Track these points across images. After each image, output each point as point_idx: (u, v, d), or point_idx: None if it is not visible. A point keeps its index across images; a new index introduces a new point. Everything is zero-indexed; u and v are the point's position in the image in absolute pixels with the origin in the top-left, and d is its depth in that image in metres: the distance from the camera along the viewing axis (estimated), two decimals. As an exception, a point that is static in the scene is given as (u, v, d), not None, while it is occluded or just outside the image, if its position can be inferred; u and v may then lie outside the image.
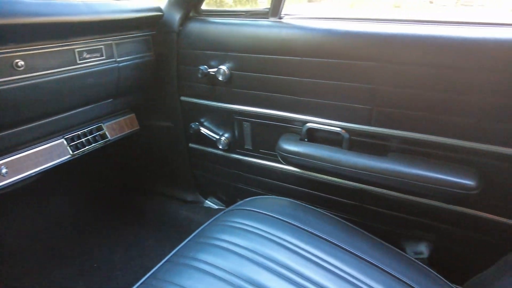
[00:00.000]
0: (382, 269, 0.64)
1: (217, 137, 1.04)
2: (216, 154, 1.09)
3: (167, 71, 1.02)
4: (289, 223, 0.71)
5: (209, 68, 0.93)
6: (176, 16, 0.95)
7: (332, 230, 0.71)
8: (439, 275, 0.66)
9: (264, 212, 0.75)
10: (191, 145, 1.14)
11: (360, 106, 0.78)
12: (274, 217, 0.73)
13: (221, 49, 0.90)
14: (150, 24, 0.97)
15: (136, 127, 1.14)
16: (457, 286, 0.65)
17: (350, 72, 0.77)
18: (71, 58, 0.79)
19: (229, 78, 0.92)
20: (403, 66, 0.71)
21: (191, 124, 1.06)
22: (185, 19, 0.96)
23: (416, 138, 0.75)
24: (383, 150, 0.79)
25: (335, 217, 0.75)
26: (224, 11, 0.94)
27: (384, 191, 0.84)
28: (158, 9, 0.97)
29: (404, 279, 0.62)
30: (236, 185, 1.11)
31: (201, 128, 1.06)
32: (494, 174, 0.71)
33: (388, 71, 0.73)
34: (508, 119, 0.66)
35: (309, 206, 0.78)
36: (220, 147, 1.04)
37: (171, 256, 0.67)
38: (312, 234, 0.69)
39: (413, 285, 0.61)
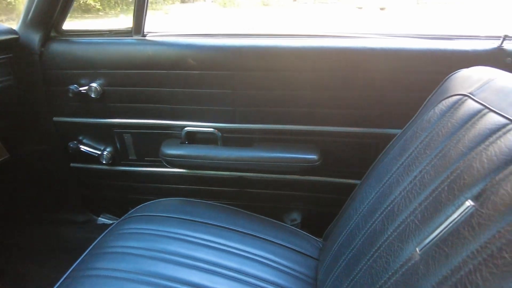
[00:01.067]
0: (261, 237, 0.80)
1: (99, 152, 1.06)
2: (101, 170, 1.11)
3: (33, 93, 0.99)
4: (179, 218, 0.81)
5: (80, 87, 0.95)
6: (35, 37, 0.94)
7: (217, 216, 0.84)
8: (309, 234, 0.85)
9: (155, 214, 0.83)
10: (73, 165, 1.13)
11: (225, 108, 0.93)
12: (165, 216, 0.82)
13: (89, 67, 0.93)
14: (4, 48, 0.93)
15: (5, 155, 1.06)
16: (320, 239, 0.85)
17: (212, 80, 0.90)
18: None
19: (102, 94, 0.95)
20: (253, 72, 0.88)
21: (70, 143, 1.05)
22: (46, 40, 0.95)
23: (272, 128, 0.93)
24: (249, 142, 0.96)
25: (221, 205, 0.88)
26: (87, 31, 0.97)
27: (257, 174, 1.01)
28: (11, 31, 0.93)
29: (280, 242, 0.79)
30: (126, 196, 1.15)
31: (81, 146, 1.06)
32: (330, 148, 0.94)
33: (242, 77, 0.88)
34: (335, 107, 0.89)
35: (197, 200, 0.89)
36: (104, 162, 1.07)
37: (70, 272, 0.69)
38: (200, 222, 0.80)
39: (286, 244, 0.78)
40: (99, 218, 1.26)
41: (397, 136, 0.64)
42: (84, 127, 1.04)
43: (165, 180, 1.08)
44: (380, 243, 0.50)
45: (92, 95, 0.94)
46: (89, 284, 0.65)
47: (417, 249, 0.43)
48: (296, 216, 1.11)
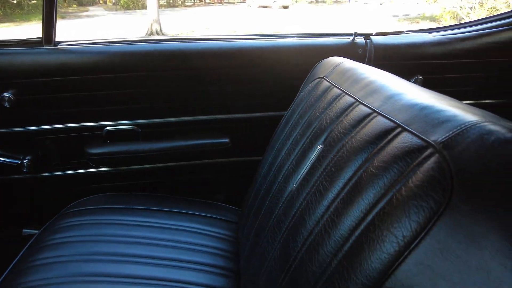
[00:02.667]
0: (187, 213, 0.93)
1: (19, 162, 1.07)
2: (23, 179, 1.11)
3: None
4: (111, 208, 0.91)
5: (-8, 97, 0.96)
6: None
7: (146, 202, 0.95)
8: (229, 205, 1.01)
9: (87, 207, 0.91)
10: None
11: (142, 105, 1.04)
12: (97, 208, 0.91)
13: (3, 77, 0.95)
14: None
15: None
16: (239, 208, 1.01)
17: (126, 82, 1.00)
18: None
19: (17, 104, 0.98)
20: (164, 72, 1.00)
21: None
22: None
23: (187, 120, 1.07)
24: (168, 134, 1.08)
25: (149, 194, 1.00)
26: (-8, 42, 0.98)
27: (179, 163, 1.14)
28: None
29: (204, 214, 0.93)
30: (53, 202, 1.17)
31: (-2, 157, 1.06)
32: (238, 132, 1.11)
33: (154, 77, 1.00)
34: (238, 98, 1.06)
35: (125, 193, 0.99)
36: (26, 170, 1.08)
37: (12, 267, 0.75)
38: (132, 209, 0.91)
39: (210, 215, 0.93)
40: (24, 230, 1.25)
41: (284, 114, 0.84)
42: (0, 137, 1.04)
43: (91, 181, 1.14)
44: (284, 197, 0.66)
45: (6, 105, 0.96)
46: (35, 272, 0.71)
47: (294, 184, 0.62)
48: (218, 194, 1.27)
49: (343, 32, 1.11)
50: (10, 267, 0.78)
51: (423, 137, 0.40)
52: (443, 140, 0.37)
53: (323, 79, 0.73)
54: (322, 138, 0.60)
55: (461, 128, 0.37)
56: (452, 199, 0.33)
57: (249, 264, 0.68)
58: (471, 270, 0.30)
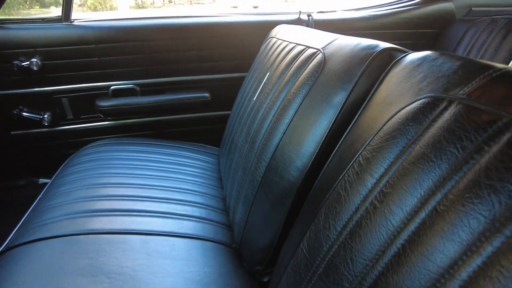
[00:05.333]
0: (178, 146, 1.25)
1: (40, 117, 1.35)
2: (42, 133, 1.39)
3: None
4: (120, 143, 1.21)
5: (22, 63, 1.24)
6: (-25, 27, 1.19)
7: (148, 141, 1.26)
8: (210, 146, 1.33)
9: (101, 148, 1.20)
10: (13, 132, 1.38)
11: (141, 68, 1.34)
12: (108, 144, 1.20)
13: (29, 47, 1.23)
14: None
15: None
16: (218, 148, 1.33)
17: (128, 49, 1.30)
18: None
19: (41, 67, 1.26)
20: (158, 42, 1.32)
21: (13, 111, 1.31)
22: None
23: (176, 80, 1.39)
24: (161, 91, 1.39)
25: (146, 139, 1.30)
26: (22, 19, 1.26)
27: (169, 117, 1.45)
28: None
29: (189, 147, 1.25)
30: (65, 153, 1.45)
31: (23, 113, 1.33)
32: (216, 89, 1.44)
33: (151, 46, 1.32)
34: (214, 60, 1.39)
35: (127, 139, 1.29)
36: (46, 124, 1.36)
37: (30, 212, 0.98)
38: (138, 143, 1.22)
39: (197, 149, 1.25)
40: (39, 180, 1.52)
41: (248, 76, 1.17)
42: (25, 97, 1.31)
43: (98, 132, 1.43)
44: (253, 130, 1.00)
45: (35, 68, 1.24)
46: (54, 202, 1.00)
47: (253, 100, 0.95)
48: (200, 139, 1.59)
49: (292, 11, 1.47)
50: (29, 210, 0.91)
51: (317, 47, 0.74)
52: (326, 45, 0.72)
53: (273, 38, 1.08)
54: (270, 68, 0.94)
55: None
56: None
57: (227, 182, 0.97)
58: None
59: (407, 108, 0.42)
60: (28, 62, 1.24)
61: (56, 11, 1.31)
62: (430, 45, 1.57)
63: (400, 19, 1.49)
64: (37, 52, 1.25)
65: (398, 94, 0.46)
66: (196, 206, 0.91)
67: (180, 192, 0.95)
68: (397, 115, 0.43)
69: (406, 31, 1.52)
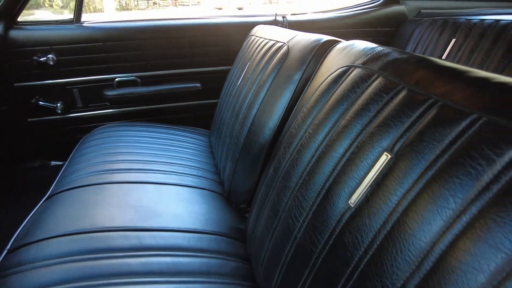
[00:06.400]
0: (175, 127, 1.49)
1: (54, 105, 1.56)
2: (55, 119, 1.60)
3: None
4: (129, 126, 1.44)
5: (39, 58, 1.45)
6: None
7: (143, 125, 1.49)
8: (202, 129, 1.57)
9: (113, 129, 1.43)
10: (30, 119, 1.59)
11: (141, 63, 1.58)
12: (120, 126, 1.43)
13: (46, 45, 1.45)
14: None
15: None
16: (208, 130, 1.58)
17: (130, 47, 1.53)
18: None
19: (57, 62, 1.48)
20: (155, 40, 1.55)
21: (31, 100, 1.52)
22: (7, 28, 1.42)
23: (172, 72, 1.63)
24: (159, 82, 1.63)
25: (149, 123, 1.54)
26: (40, 21, 1.47)
27: (166, 105, 1.68)
28: None
29: (183, 128, 1.49)
30: (75, 138, 1.67)
31: (40, 102, 1.54)
32: (206, 81, 1.69)
33: (149, 43, 1.55)
34: (203, 56, 1.63)
35: (134, 124, 1.52)
36: (59, 112, 1.57)
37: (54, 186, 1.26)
38: (144, 125, 1.45)
39: (188, 129, 1.49)
40: (51, 162, 1.73)
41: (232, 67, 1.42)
42: (41, 88, 1.53)
43: (104, 119, 1.66)
44: (237, 106, 1.26)
45: (50, 63, 1.46)
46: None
47: (238, 83, 1.20)
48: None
49: (269, 13, 1.72)
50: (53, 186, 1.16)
51: (283, 41, 1.00)
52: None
53: (252, 36, 1.33)
54: (250, 59, 1.19)
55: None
56: None
57: (217, 149, 1.23)
58: None
59: (331, 75, 0.68)
60: (45, 58, 1.45)
61: (38, 13, 1.53)
62: (388, 41, 1.86)
63: (360, 19, 1.77)
64: (52, 49, 1.46)
65: (329, 68, 0.72)
66: (194, 168, 1.15)
67: (180, 159, 1.19)
68: (325, 81, 0.68)
69: (367, 30, 1.80)
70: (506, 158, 0.31)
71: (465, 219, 0.32)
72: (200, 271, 0.71)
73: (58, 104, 1.57)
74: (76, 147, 1.35)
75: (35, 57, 1.44)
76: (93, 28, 1.49)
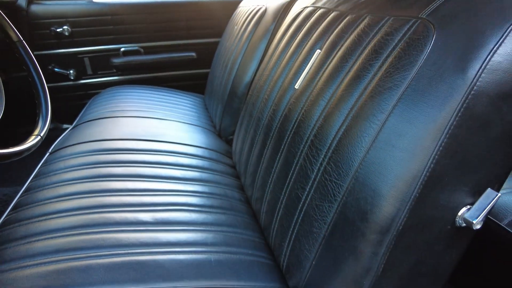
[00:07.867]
0: (173, 91, 1.73)
1: (68, 72, 1.79)
2: (68, 85, 1.83)
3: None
4: (134, 88, 1.68)
5: (56, 29, 1.68)
6: (23, 2, 1.63)
7: (148, 89, 1.73)
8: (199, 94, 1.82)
9: (122, 90, 1.67)
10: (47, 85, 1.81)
11: (144, 34, 1.81)
12: (127, 88, 1.67)
13: (62, 17, 1.68)
14: (5, 7, 1.59)
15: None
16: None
17: (133, 20, 1.77)
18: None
19: (71, 33, 1.71)
20: (153, 15, 1.79)
21: (48, 67, 1.75)
22: (30, 2, 1.65)
23: (171, 44, 1.86)
24: (159, 51, 1.86)
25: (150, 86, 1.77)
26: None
27: (166, 73, 1.92)
28: None
29: (179, 91, 1.73)
30: (85, 102, 1.90)
31: (55, 69, 1.77)
32: (201, 51, 1.93)
33: (149, 16, 1.79)
34: (200, 29, 1.88)
35: (136, 86, 1.76)
36: (72, 78, 1.80)
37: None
38: (148, 87, 1.69)
39: (184, 92, 1.74)
40: (63, 125, 1.96)
41: (222, 36, 1.66)
42: (57, 56, 1.75)
43: (111, 84, 1.89)
44: (226, 62, 1.50)
45: (66, 34, 1.69)
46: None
47: (228, 56, 1.45)
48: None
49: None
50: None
51: (263, 3, 1.25)
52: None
53: (239, 7, 1.57)
54: (237, 23, 1.43)
55: None
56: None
57: (211, 103, 1.48)
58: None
59: (292, 17, 0.92)
60: (61, 29, 1.68)
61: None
62: None
63: None
64: (67, 21, 1.70)
65: (292, 12, 0.97)
66: (190, 117, 1.39)
67: (178, 112, 1.44)
68: (285, 22, 0.93)
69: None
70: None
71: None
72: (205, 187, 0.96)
73: (71, 71, 1.80)
74: (87, 105, 1.58)
75: (52, 28, 1.67)
76: (103, 4, 1.72)
